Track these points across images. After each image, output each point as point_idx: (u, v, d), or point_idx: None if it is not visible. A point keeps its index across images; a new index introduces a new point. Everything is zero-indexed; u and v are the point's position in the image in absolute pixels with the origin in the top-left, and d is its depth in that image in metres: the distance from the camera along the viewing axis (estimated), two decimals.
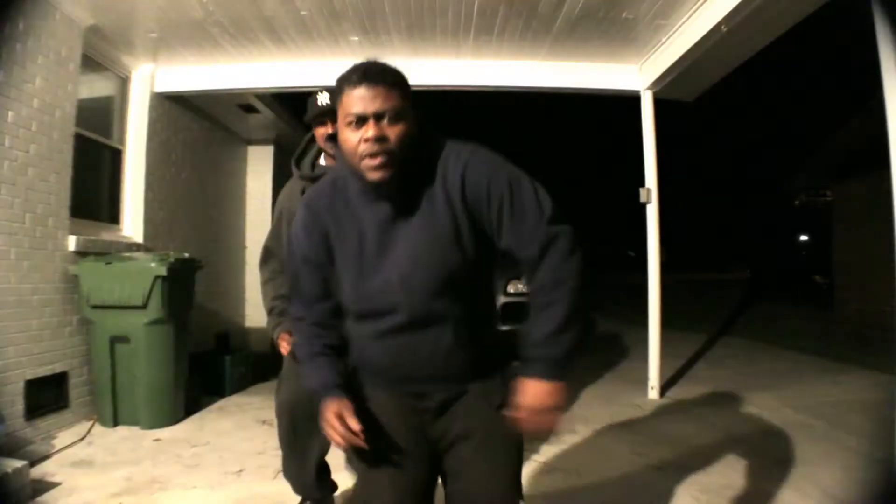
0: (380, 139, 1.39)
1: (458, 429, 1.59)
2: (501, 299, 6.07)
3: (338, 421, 1.44)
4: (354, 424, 1.43)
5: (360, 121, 1.40)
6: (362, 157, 1.41)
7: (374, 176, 1.42)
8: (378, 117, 1.39)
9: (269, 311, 2.64)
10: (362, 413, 1.51)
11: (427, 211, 1.49)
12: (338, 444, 1.46)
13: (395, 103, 1.40)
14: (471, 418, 1.58)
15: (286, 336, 2.53)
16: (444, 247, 1.48)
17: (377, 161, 1.40)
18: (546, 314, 1.47)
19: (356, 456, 1.55)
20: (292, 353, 2.47)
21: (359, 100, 1.39)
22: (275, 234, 2.67)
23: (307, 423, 2.47)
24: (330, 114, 2.34)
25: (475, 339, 1.58)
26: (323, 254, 1.57)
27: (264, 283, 2.71)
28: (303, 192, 2.42)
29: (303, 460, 2.67)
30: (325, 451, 2.69)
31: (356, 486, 1.61)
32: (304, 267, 1.61)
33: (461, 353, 1.55)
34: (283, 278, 2.50)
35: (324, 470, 2.75)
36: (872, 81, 2.94)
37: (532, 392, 1.46)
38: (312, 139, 2.59)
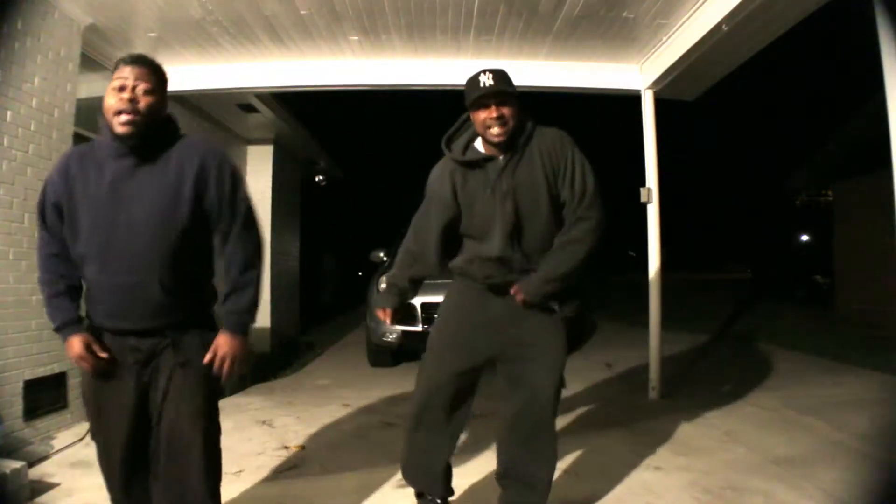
0: (132, 101, 1.87)
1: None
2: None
3: (87, 352, 1.93)
4: (102, 352, 1.95)
5: (121, 89, 1.88)
6: (115, 113, 1.87)
7: (121, 129, 1.87)
8: (134, 88, 1.88)
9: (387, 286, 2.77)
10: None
11: (160, 174, 1.95)
12: (88, 370, 1.97)
13: (150, 82, 1.92)
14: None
15: (381, 312, 2.77)
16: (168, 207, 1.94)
17: (126, 118, 1.87)
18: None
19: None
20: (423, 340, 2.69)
21: (126, 74, 1.90)
22: (422, 212, 2.66)
23: (441, 416, 2.56)
24: (494, 95, 2.32)
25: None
26: (65, 197, 1.95)
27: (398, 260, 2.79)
28: (452, 175, 2.46)
29: (434, 453, 2.63)
30: (452, 450, 2.68)
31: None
32: (53, 207, 1.98)
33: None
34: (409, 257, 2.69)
35: (449, 469, 2.71)
36: (873, 81, 2.96)
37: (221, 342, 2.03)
38: (467, 120, 2.54)
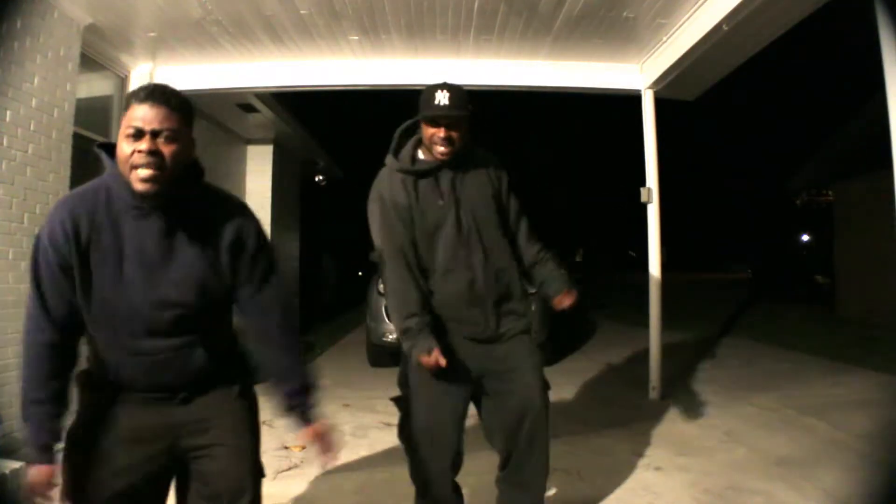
0: (152, 153, 1.50)
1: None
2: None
3: (43, 489, 1.57)
4: (52, 493, 1.57)
5: (137, 136, 1.51)
6: (133, 168, 1.51)
7: (141, 187, 1.52)
8: (155, 134, 1.51)
9: (404, 332, 2.38)
10: None
11: (189, 239, 1.63)
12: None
13: (173, 125, 1.54)
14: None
15: (426, 357, 2.30)
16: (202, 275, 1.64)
17: (147, 173, 1.51)
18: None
19: None
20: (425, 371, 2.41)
21: (141, 116, 1.51)
22: (384, 228, 2.46)
23: (444, 440, 2.45)
24: (447, 118, 2.32)
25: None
26: (76, 261, 1.58)
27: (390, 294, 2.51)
28: (403, 185, 2.43)
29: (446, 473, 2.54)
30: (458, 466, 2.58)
31: None
32: (59, 274, 1.60)
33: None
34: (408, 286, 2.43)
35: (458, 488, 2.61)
36: (873, 80, 2.96)
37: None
38: (408, 131, 2.53)
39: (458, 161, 2.42)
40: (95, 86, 4.74)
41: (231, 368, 1.79)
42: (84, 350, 1.71)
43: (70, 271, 1.59)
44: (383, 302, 6.16)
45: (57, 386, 1.65)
